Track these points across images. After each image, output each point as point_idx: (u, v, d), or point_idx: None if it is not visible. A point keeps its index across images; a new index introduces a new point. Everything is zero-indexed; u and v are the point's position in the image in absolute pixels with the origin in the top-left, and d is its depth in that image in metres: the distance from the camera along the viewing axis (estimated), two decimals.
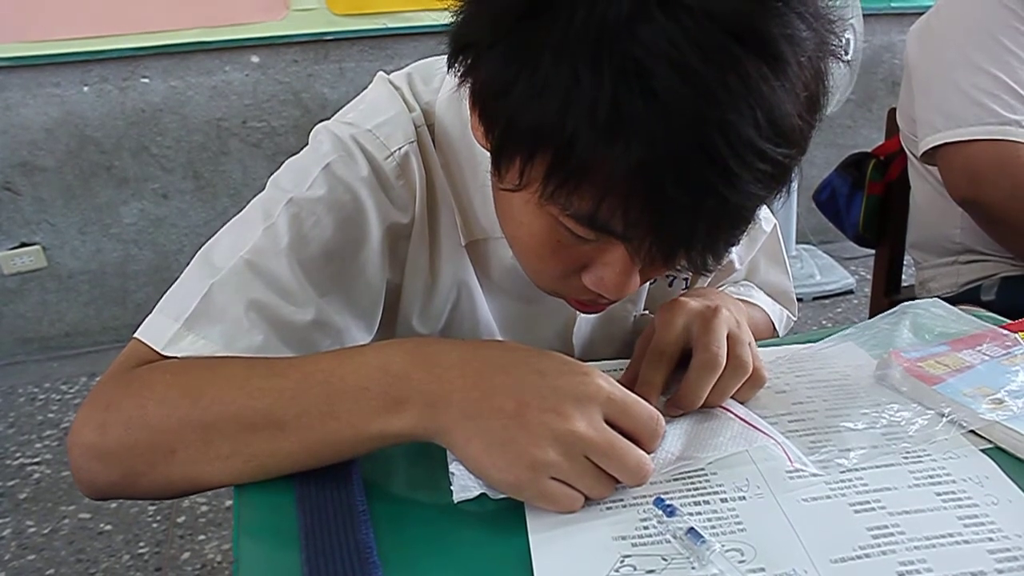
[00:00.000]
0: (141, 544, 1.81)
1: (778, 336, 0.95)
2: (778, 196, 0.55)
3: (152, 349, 0.63)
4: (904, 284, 1.72)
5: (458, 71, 0.55)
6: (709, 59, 0.46)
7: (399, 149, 0.69)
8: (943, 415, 0.59)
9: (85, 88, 2.42)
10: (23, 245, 2.51)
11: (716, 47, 0.46)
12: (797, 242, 2.87)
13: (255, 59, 2.55)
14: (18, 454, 2.14)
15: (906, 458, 0.56)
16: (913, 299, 1.54)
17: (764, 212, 0.90)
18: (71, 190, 2.51)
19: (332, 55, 2.59)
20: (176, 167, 2.58)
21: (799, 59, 0.49)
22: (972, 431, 0.58)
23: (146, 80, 2.47)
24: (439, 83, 0.74)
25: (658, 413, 0.54)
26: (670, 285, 0.86)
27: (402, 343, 0.57)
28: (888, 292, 1.70)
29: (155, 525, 1.86)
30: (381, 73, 0.78)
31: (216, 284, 0.64)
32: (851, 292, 2.74)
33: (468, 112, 0.58)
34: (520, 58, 0.49)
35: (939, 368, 0.64)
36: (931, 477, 0.54)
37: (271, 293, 0.64)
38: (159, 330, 0.63)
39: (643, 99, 0.46)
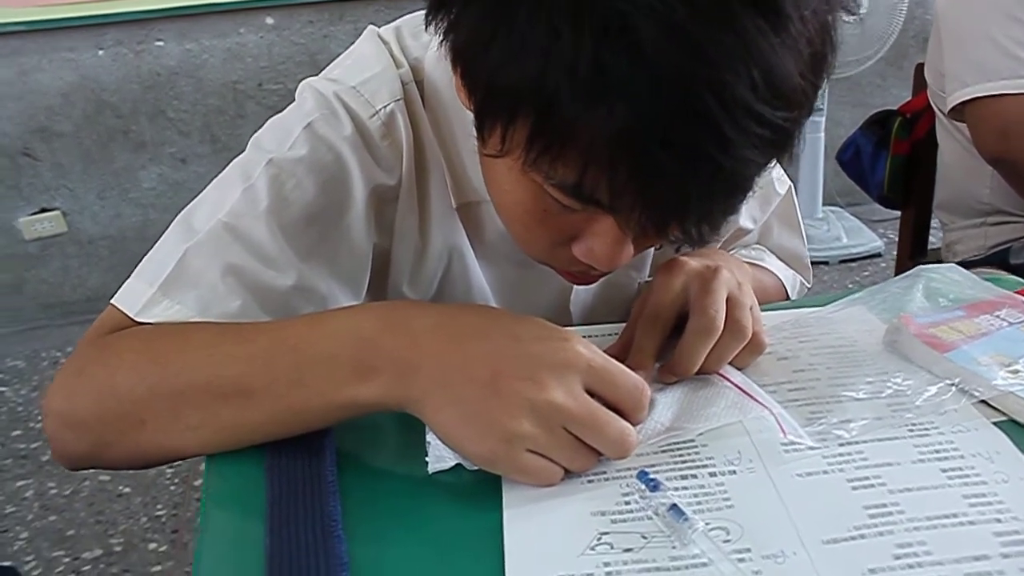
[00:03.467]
0: (159, 506, 1.83)
1: None
2: (779, 161, 0.51)
3: (126, 315, 0.61)
4: (931, 247, 1.66)
5: (438, 29, 0.52)
6: (700, 14, 0.42)
7: (384, 107, 0.66)
8: (954, 384, 0.55)
9: (100, 52, 2.41)
10: (43, 211, 2.52)
11: (709, 1, 0.42)
12: (824, 204, 2.80)
13: (270, 20, 2.52)
14: (41, 417, 2.16)
15: (911, 431, 0.52)
16: (940, 262, 1.49)
17: (778, 174, 0.86)
18: (89, 155, 2.51)
19: (347, 15, 2.55)
20: (193, 131, 2.57)
21: (802, 13, 0.44)
22: (985, 402, 0.54)
23: (160, 43, 2.45)
24: (429, 38, 0.70)
25: (643, 382, 0.51)
26: (677, 251, 0.83)
27: (375, 307, 0.55)
28: (914, 255, 1.65)
29: (172, 488, 1.88)
30: (371, 27, 0.74)
31: (192, 248, 0.61)
32: (879, 255, 2.67)
33: None
34: (497, 15, 0.46)
35: (953, 334, 0.60)
36: (937, 452, 0.50)
37: (249, 257, 0.61)
38: (134, 295, 0.61)
39: (628, 58, 0.42)
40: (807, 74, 0.46)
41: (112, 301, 0.63)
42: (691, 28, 0.42)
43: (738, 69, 0.43)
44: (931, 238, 1.63)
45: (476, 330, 0.51)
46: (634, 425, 0.51)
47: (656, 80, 0.42)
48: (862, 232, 2.75)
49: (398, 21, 0.74)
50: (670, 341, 0.60)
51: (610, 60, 0.42)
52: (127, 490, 1.88)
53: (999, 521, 0.44)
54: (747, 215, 0.83)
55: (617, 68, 0.42)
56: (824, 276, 2.64)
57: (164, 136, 2.55)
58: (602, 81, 0.43)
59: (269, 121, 0.69)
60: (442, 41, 0.52)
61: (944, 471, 0.49)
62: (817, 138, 2.67)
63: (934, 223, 1.57)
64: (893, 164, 1.54)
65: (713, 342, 0.57)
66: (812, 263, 2.89)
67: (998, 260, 1.29)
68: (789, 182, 0.87)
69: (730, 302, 0.59)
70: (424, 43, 0.70)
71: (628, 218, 0.50)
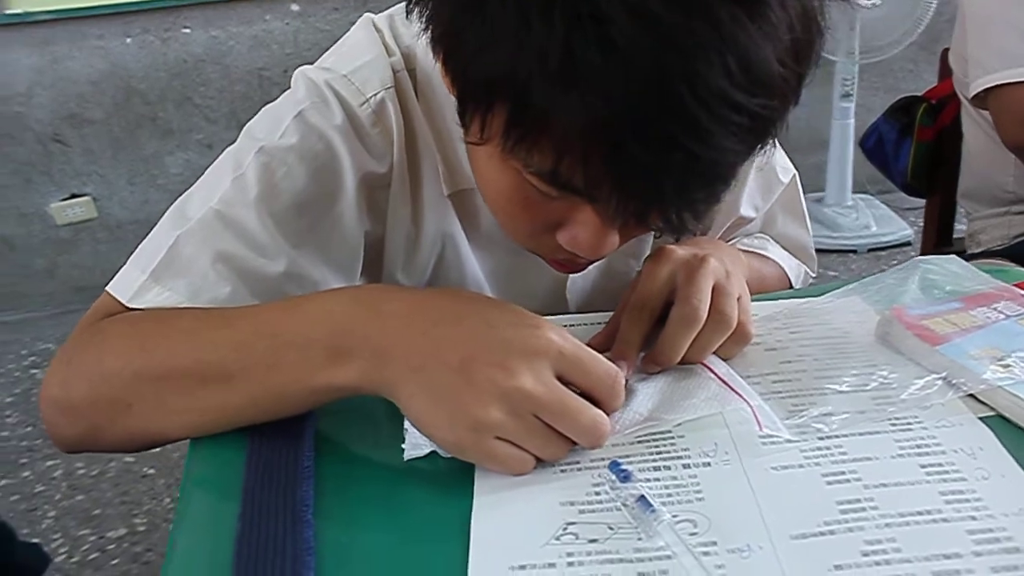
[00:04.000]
0: None
1: None
2: (761, 150, 0.50)
3: (119, 302, 0.61)
4: (957, 236, 1.63)
5: (420, 18, 0.52)
6: (673, 2, 0.41)
7: (375, 95, 0.66)
8: (941, 378, 0.54)
9: (128, 40, 2.44)
10: (74, 196, 2.56)
11: None
12: (854, 191, 2.75)
13: (295, 7, 2.53)
14: None
15: (894, 425, 0.51)
16: (963, 252, 1.46)
17: (782, 162, 0.84)
18: (119, 142, 2.54)
19: (372, 1, 2.55)
20: (219, 117, 2.60)
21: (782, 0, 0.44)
22: (973, 396, 0.53)
23: (187, 30, 2.47)
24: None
25: (616, 369, 0.51)
26: (677, 240, 0.82)
27: (350, 291, 0.55)
28: (939, 244, 1.62)
29: None
30: (367, 14, 0.74)
31: (183, 235, 0.62)
32: (908, 244, 2.62)
33: None
34: (470, 3, 0.46)
35: (947, 327, 0.58)
36: (918, 447, 0.49)
37: (240, 244, 0.62)
38: (127, 282, 0.62)
39: (599, 48, 0.41)
40: (788, 61, 0.45)
41: (107, 288, 0.64)
42: (663, 17, 0.41)
43: (711, 58, 0.42)
44: (961, 226, 1.59)
45: (448, 315, 0.51)
46: (609, 413, 0.51)
47: (628, 70, 0.42)
48: (892, 220, 2.69)
49: (392, 8, 0.73)
50: (657, 330, 0.60)
51: (581, 49, 0.42)
52: (151, 471, 1.92)
53: (974, 519, 0.43)
54: (748, 203, 0.82)
55: (588, 57, 0.42)
56: (852, 265, 2.60)
57: (191, 123, 2.58)
58: (573, 70, 0.42)
59: (262, 110, 0.70)
60: (424, 30, 0.52)
61: (923, 467, 0.47)
62: (847, 124, 2.62)
63: (960, 211, 1.53)
64: (917, 151, 1.51)
65: (695, 332, 0.56)
66: (841, 251, 2.82)
67: (1021, 250, 1.26)
68: (794, 170, 0.86)
69: (716, 291, 0.58)
70: (416, 31, 0.70)
71: (606, 207, 0.49)
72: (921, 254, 1.77)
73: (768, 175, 0.83)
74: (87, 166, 2.55)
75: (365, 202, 0.68)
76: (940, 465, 0.48)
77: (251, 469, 0.52)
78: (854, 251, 2.64)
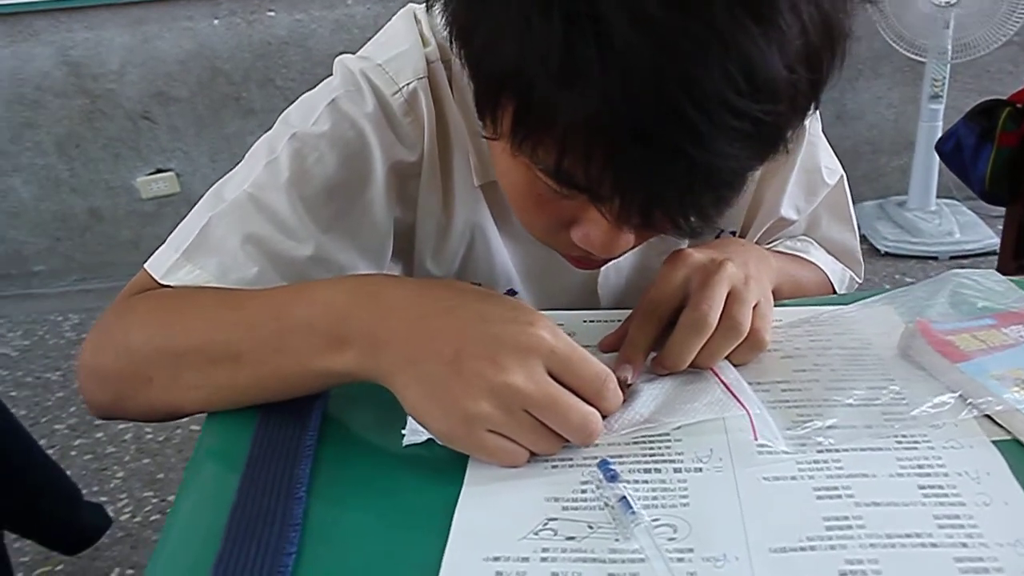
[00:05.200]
0: None
1: None
2: (773, 156, 0.48)
3: (153, 278, 0.64)
4: None
5: (441, 14, 0.52)
6: (672, 5, 0.40)
7: (407, 85, 0.67)
8: (956, 396, 0.52)
9: (215, 21, 2.53)
10: (159, 171, 2.68)
11: None
12: (938, 196, 2.64)
13: None
14: None
15: (900, 443, 0.49)
16: None
17: (828, 163, 0.82)
18: (202, 120, 2.64)
19: None
20: None
21: (794, 3, 0.42)
22: (990, 418, 0.51)
23: (272, 13, 2.54)
24: None
25: (607, 371, 0.51)
26: (718, 236, 0.80)
27: (350, 279, 0.56)
28: (1018, 255, 1.55)
29: None
30: (410, 4, 0.75)
31: (216, 216, 0.64)
32: (994, 253, 2.49)
33: None
34: (477, 1, 0.46)
35: (973, 344, 0.56)
36: (920, 467, 0.47)
37: (269, 227, 0.64)
38: (161, 260, 0.65)
39: (597, 49, 0.41)
40: (797, 67, 0.44)
41: (144, 265, 0.67)
42: (661, 20, 0.40)
43: (710, 62, 0.41)
44: None
45: (444, 306, 0.51)
46: (605, 414, 0.51)
47: (625, 71, 0.41)
48: (977, 227, 2.58)
49: None
50: (668, 333, 0.59)
51: (580, 48, 0.42)
52: None
53: (965, 546, 0.41)
54: (790, 205, 0.80)
55: (586, 56, 0.42)
56: (932, 272, 2.49)
57: (272, 103, 2.65)
58: (573, 69, 0.42)
59: (300, 98, 0.71)
60: (445, 27, 0.53)
61: (921, 488, 0.46)
62: (935, 127, 2.51)
63: None
64: (997, 157, 1.45)
65: (704, 339, 0.56)
66: (921, 258, 2.71)
67: None
68: (841, 172, 0.83)
69: (731, 297, 0.57)
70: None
71: (610, 207, 0.49)
72: (998, 263, 1.69)
73: (812, 176, 0.80)
74: (172, 143, 2.65)
75: (395, 190, 0.69)
76: (940, 487, 0.46)
77: (256, 444, 0.54)
78: (935, 258, 2.54)
